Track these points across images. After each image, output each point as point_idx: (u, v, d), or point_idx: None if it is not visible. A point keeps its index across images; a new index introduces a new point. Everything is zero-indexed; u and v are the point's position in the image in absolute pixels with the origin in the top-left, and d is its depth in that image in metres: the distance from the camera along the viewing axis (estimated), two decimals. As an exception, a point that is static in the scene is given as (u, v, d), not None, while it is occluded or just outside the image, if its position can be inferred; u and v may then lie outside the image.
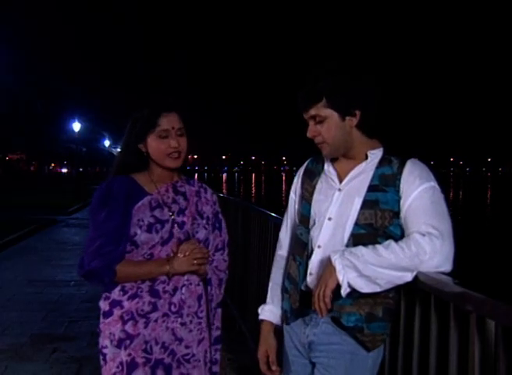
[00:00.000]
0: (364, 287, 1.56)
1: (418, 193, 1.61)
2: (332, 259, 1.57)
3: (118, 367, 1.81)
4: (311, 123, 1.71)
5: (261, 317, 1.97)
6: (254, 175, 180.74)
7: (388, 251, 1.54)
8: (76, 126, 27.32)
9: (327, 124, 1.68)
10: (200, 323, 1.92)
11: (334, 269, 1.56)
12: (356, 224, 1.66)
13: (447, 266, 1.53)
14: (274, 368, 1.90)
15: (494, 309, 1.25)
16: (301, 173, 1.91)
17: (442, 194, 1.66)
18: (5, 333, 4.65)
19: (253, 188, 64.41)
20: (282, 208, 2.10)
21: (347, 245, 1.66)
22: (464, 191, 58.81)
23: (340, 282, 1.55)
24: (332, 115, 1.67)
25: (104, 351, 1.85)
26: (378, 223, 1.64)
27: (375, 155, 1.72)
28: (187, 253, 1.83)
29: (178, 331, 1.86)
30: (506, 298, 1.23)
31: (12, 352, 4.14)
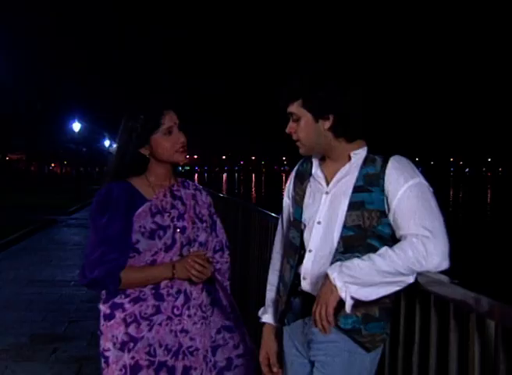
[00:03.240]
0: (369, 296, 1.57)
1: (404, 192, 1.59)
2: (331, 277, 1.56)
3: (121, 370, 1.81)
4: (291, 120, 1.74)
5: (261, 320, 1.97)
6: (254, 175, 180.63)
7: (385, 260, 1.53)
8: (76, 126, 27.33)
9: (301, 123, 1.71)
10: (204, 317, 1.92)
11: (334, 287, 1.55)
12: (344, 226, 1.65)
13: (445, 265, 1.52)
14: (275, 370, 1.90)
15: (494, 309, 1.25)
16: (293, 176, 1.90)
17: (429, 189, 1.63)
18: (5, 333, 4.65)
19: (253, 188, 64.39)
20: (281, 209, 2.10)
21: (337, 248, 1.66)
22: (464, 191, 58.78)
23: (344, 298, 1.54)
24: (306, 115, 1.69)
25: (107, 353, 1.84)
26: (366, 224, 1.63)
27: (359, 155, 1.71)
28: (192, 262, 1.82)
29: (185, 323, 1.87)
30: (506, 298, 1.23)
31: (12, 352, 4.14)
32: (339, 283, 1.54)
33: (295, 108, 1.70)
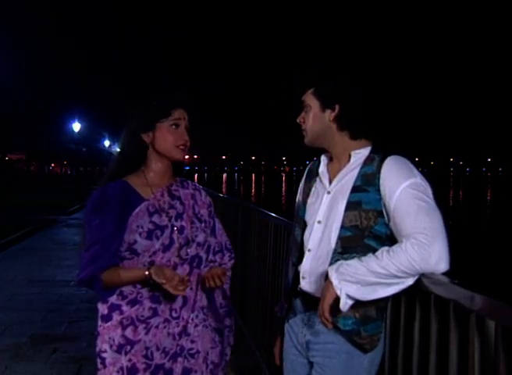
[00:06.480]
0: (367, 296, 1.57)
1: (400, 194, 1.58)
2: (329, 275, 1.58)
3: (118, 372, 1.80)
4: (303, 110, 1.81)
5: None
6: (254, 175, 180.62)
7: (379, 262, 1.53)
8: (76, 126, 27.31)
9: (310, 113, 1.77)
10: (205, 320, 1.92)
11: (331, 284, 1.57)
12: (342, 227, 1.66)
13: (442, 267, 1.50)
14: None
15: (494, 309, 1.25)
16: (304, 175, 1.93)
17: (426, 189, 1.61)
18: (5, 333, 4.65)
19: (253, 188, 64.40)
20: (282, 209, 2.10)
21: (335, 249, 1.66)
22: (464, 191, 58.76)
23: (339, 296, 1.56)
24: (315, 104, 1.75)
25: (103, 355, 1.83)
26: (363, 224, 1.64)
27: (360, 154, 1.72)
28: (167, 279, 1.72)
29: (186, 326, 1.86)
30: (506, 297, 1.23)
31: (12, 352, 4.14)
32: (334, 281, 1.56)
33: (306, 96, 1.77)
